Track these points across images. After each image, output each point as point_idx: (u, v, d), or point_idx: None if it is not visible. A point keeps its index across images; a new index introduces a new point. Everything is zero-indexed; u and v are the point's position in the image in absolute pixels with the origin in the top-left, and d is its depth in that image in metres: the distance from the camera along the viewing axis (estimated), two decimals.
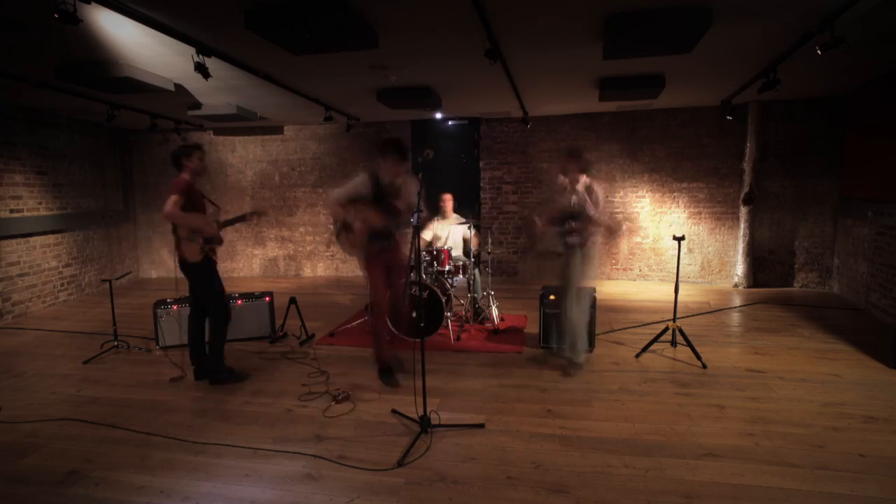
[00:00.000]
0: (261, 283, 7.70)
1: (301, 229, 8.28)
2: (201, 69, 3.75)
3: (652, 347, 4.27)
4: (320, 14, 3.03)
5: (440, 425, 3.02)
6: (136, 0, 2.96)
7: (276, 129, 8.08)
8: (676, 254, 4.26)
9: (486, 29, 3.36)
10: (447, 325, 4.69)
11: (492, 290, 5.23)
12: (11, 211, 5.94)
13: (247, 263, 8.49)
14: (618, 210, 7.27)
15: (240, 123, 7.57)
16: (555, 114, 7.22)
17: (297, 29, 3.19)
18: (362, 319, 5.28)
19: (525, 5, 3.14)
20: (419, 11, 3.21)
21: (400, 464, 2.65)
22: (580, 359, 3.93)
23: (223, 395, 3.60)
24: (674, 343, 4.40)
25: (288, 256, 8.38)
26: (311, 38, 3.36)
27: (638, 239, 7.31)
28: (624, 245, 7.35)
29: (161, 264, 8.62)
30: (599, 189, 3.77)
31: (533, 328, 4.88)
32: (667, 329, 4.28)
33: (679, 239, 4.16)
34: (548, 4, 3.13)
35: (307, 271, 8.36)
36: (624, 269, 7.43)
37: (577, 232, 3.73)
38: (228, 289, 4.79)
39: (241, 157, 8.24)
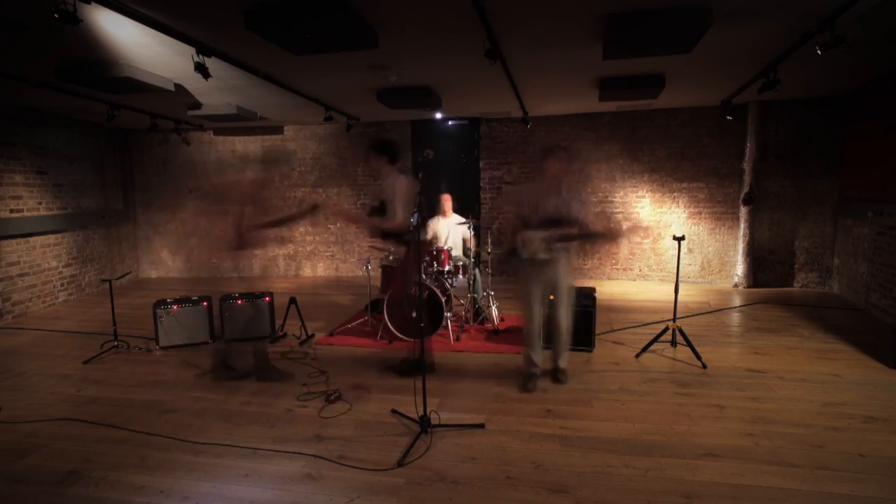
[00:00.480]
0: (260, 283, 7.69)
1: (301, 229, 8.27)
2: (201, 69, 3.75)
3: (652, 347, 4.27)
4: (320, 14, 3.03)
5: (440, 425, 3.02)
6: (136, 0, 2.96)
7: (276, 129, 8.08)
8: (676, 254, 4.26)
9: (486, 29, 3.36)
10: (447, 325, 4.69)
11: (492, 290, 5.23)
12: (11, 211, 5.94)
13: (247, 263, 8.47)
14: (618, 210, 7.27)
15: (240, 123, 7.57)
16: (555, 114, 7.22)
17: (297, 29, 3.19)
18: (362, 319, 5.28)
19: (525, 5, 3.14)
20: (419, 11, 3.21)
21: (400, 464, 2.65)
22: (565, 363, 3.75)
23: (223, 395, 3.60)
24: (674, 343, 4.40)
25: (288, 256, 8.38)
26: (311, 38, 3.36)
27: (638, 239, 7.31)
28: (624, 245, 7.35)
29: (161, 264, 8.61)
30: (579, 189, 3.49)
31: None
32: (667, 329, 4.28)
33: (679, 239, 4.16)
34: (548, 5, 3.13)
35: (307, 271, 8.36)
36: (624, 269, 7.43)
37: (565, 237, 3.42)
38: (228, 289, 4.80)
39: (242, 157, 8.24)
